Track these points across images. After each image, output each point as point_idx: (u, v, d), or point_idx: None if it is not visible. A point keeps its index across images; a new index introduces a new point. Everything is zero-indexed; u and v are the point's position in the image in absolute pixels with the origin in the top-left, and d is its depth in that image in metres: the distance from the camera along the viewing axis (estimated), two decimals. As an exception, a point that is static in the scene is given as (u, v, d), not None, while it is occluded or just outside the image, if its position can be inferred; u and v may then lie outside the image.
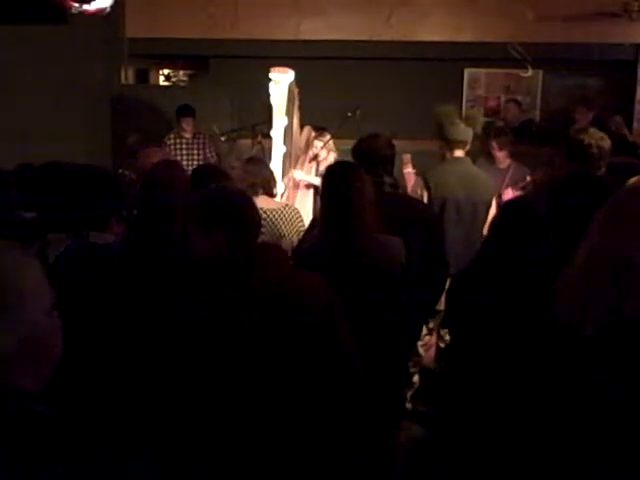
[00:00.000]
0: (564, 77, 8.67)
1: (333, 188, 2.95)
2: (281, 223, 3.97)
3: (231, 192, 2.29)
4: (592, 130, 3.67)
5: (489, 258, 2.54)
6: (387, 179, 3.49)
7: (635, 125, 8.23)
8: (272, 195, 4.25)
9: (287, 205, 4.34)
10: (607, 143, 3.57)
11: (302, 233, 3.92)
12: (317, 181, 6.05)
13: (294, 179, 5.86)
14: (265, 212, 3.80)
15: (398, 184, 3.70)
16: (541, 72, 8.63)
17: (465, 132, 4.26)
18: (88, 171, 2.57)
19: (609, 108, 7.70)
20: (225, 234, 2.05)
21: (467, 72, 8.91)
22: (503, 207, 2.64)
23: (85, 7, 5.53)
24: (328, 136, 6.09)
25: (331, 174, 3.05)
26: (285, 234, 3.96)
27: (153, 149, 4.86)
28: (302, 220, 4.09)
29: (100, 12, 5.67)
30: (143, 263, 2.48)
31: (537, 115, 8.82)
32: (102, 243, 2.42)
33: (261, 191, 4.03)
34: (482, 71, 8.91)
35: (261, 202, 3.68)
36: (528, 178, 6.01)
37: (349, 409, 2.14)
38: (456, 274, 2.77)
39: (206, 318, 1.98)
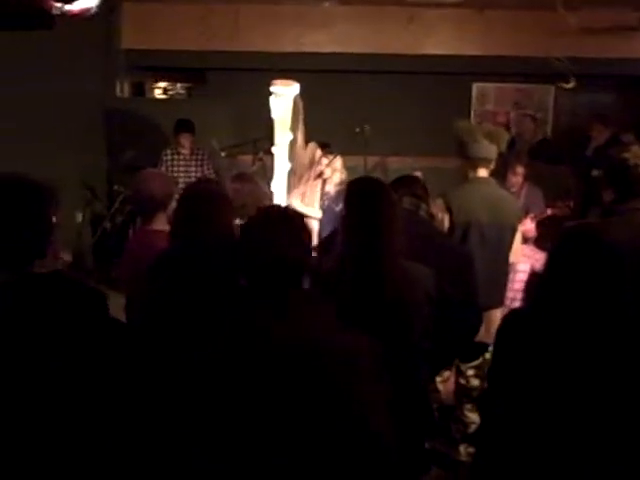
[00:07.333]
0: (576, 92, 8.36)
1: (360, 202, 2.57)
2: None
3: None
4: (635, 148, 3.32)
5: (555, 301, 2.09)
6: (423, 206, 3.16)
7: (649, 143, 7.92)
8: None
9: None
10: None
11: None
12: (316, 214, 5.70)
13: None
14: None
15: (435, 218, 3.37)
16: (553, 87, 8.34)
17: (489, 150, 3.89)
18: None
19: (623, 125, 7.41)
20: None
21: (475, 86, 8.64)
22: (565, 237, 2.15)
23: (68, 7, 5.04)
24: (335, 154, 5.75)
25: (357, 188, 2.66)
26: None
27: (150, 171, 4.48)
28: None
29: (85, 13, 5.17)
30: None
31: (549, 132, 8.52)
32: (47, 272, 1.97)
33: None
34: (491, 85, 8.64)
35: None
36: (549, 211, 5.69)
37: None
38: (512, 311, 2.36)
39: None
